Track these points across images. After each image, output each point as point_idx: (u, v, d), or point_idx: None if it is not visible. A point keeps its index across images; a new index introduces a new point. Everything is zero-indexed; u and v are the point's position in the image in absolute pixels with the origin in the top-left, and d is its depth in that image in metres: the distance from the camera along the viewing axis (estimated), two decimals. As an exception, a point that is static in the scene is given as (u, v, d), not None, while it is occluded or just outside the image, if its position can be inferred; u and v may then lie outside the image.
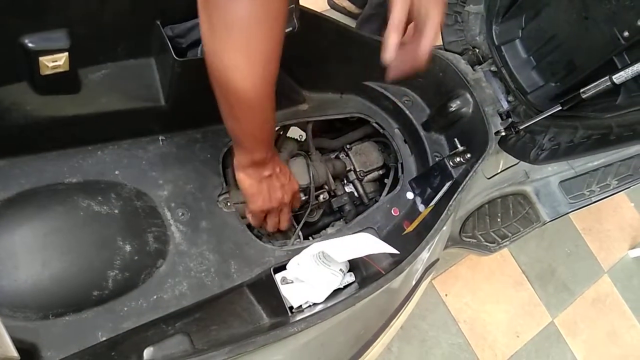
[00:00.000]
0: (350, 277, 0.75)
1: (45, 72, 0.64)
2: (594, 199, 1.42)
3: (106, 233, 0.75)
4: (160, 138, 0.89)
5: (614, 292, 2.00)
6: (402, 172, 1.12)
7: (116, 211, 0.77)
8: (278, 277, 0.70)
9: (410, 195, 1.09)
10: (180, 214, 0.85)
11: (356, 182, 1.14)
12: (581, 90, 0.82)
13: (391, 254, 0.77)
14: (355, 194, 1.15)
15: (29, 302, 0.67)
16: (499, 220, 1.46)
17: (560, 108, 0.87)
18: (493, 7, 0.94)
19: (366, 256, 0.74)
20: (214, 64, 0.61)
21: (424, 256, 0.83)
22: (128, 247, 0.76)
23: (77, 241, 0.72)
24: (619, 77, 0.77)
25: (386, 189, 1.14)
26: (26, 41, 0.61)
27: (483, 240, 1.40)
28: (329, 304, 0.66)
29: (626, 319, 1.97)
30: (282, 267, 0.70)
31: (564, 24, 0.89)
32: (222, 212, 0.89)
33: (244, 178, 0.79)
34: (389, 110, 1.13)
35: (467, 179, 0.91)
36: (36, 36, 0.61)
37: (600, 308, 1.94)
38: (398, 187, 1.10)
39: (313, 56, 0.98)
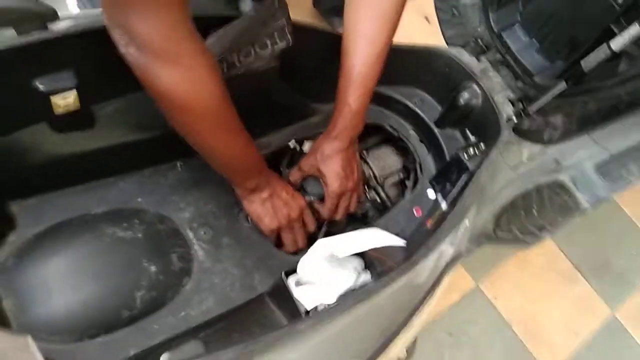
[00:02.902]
0: (367, 276, 0.76)
1: (58, 111, 0.70)
2: (633, 180, 1.36)
3: (131, 256, 0.79)
4: (178, 164, 0.93)
5: (677, 276, 1.88)
6: (422, 172, 1.12)
7: (140, 235, 0.82)
8: (292, 280, 0.71)
9: (431, 193, 1.09)
10: (202, 232, 0.88)
11: (377, 187, 1.15)
12: (581, 62, 0.81)
13: (404, 248, 0.77)
14: (378, 199, 1.15)
15: (64, 326, 0.72)
16: (534, 212, 1.42)
17: (565, 85, 0.85)
18: (487, -5, 0.95)
19: (380, 252, 0.75)
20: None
21: (442, 248, 0.82)
22: (153, 268, 0.80)
23: (104, 266, 0.77)
24: (617, 43, 0.75)
25: (408, 190, 1.14)
26: (37, 83, 0.67)
27: (520, 233, 1.36)
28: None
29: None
30: (295, 270, 0.72)
31: (558, 0, 0.88)
32: (243, 226, 0.92)
33: (247, 204, 0.84)
34: (401, 112, 1.14)
35: (480, 167, 0.90)
36: (45, 78, 0.67)
37: (666, 295, 1.83)
38: (419, 187, 1.09)
39: (316, 68, 1.01)
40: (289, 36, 0.84)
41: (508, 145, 1.15)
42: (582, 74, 0.82)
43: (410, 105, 1.11)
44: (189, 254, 0.85)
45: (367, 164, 1.15)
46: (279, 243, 0.92)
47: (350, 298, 0.64)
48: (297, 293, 0.70)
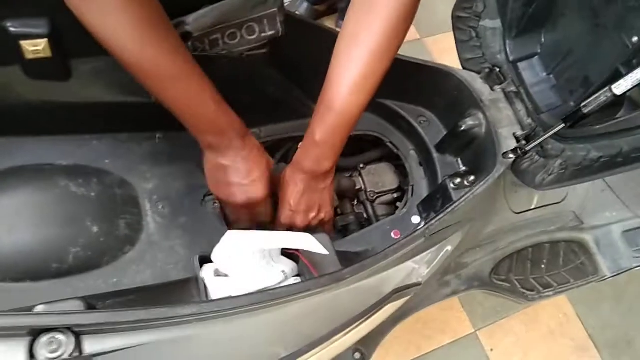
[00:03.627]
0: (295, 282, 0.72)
1: (28, 56, 0.72)
2: (662, 254, 1.22)
3: (75, 212, 0.79)
4: (157, 135, 0.93)
5: None
6: (412, 195, 1.05)
7: (92, 194, 0.82)
8: (209, 268, 0.69)
9: (416, 219, 1.02)
10: (160, 206, 0.88)
11: (366, 202, 1.10)
12: (582, 104, 0.72)
13: (343, 264, 0.72)
14: (364, 215, 1.10)
15: (-11, 264, 0.73)
16: (543, 267, 1.31)
17: (563, 125, 0.77)
18: (504, 19, 0.88)
19: (312, 262, 0.70)
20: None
21: (389, 273, 0.77)
22: (95, 229, 0.80)
23: (45, 215, 0.78)
24: (619, 87, 0.67)
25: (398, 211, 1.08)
26: (8, 25, 0.68)
27: (519, 286, 1.26)
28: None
29: None
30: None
31: (578, 35, 0.80)
32: (205, 211, 0.90)
33: (204, 155, 0.79)
34: (405, 130, 1.09)
35: (461, 200, 0.84)
36: (17, 21, 0.69)
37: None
38: (404, 210, 1.03)
39: (319, 69, 0.98)
40: (279, 26, 0.82)
41: (514, 187, 1.06)
42: (582, 117, 0.74)
43: (415, 124, 1.06)
44: (139, 223, 0.85)
45: (361, 177, 1.11)
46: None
47: (251, 297, 0.61)
48: (211, 283, 0.67)
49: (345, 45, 0.74)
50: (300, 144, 0.82)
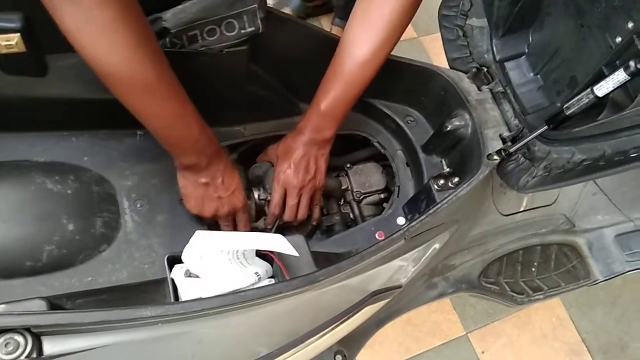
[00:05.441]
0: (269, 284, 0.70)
1: (1, 51, 0.71)
2: (657, 259, 1.20)
3: (51, 209, 0.78)
4: (138, 132, 0.92)
5: None
6: (398, 196, 1.04)
7: (69, 191, 0.81)
8: (181, 269, 0.67)
9: (401, 220, 1.01)
10: (139, 205, 0.86)
11: (352, 203, 1.09)
12: (565, 106, 0.71)
13: (325, 265, 0.70)
14: (350, 215, 1.09)
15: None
16: (533, 270, 1.30)
17: (546, 127, 0.75)
18: (491, 18, 0.86)
19: (284, 263, 0.69)
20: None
21: (369, 274, 0.75)
22: (71, 227, 0.79)
23: (19, 212, 0.77)
24: (600, 88, 0.65)
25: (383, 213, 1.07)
26: (-21, 18, 0.67)
27: (508, 289, 1.25)
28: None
29: None
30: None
31: (564, 34, 0.78)
32: (184, 211, 0.89)
33: (180, 177, 0.81)
34: (392, 130, 1.07)
35: (443, 202, 0.82)
36: (-11, 16, 0.68)
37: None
38: (390, 211, 1.02)
39: (305, 66, 0.96)
40: (259, 22, 0.80)
41: (502, 188, 1.05)
42: (565, 118, 0.72)
43: (402, 124, 1.04)
44: (116, 221, 0.83)
45: (348, 177, 1.09)
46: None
47: (219, 299, 0.59)
48: (181, 284, 0.66)
49: (358, 21, 0.80)
50: (304, 113, 0.89)
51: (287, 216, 0.91)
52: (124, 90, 0.66)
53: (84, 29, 0.57)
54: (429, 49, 1.98)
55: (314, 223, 1.02)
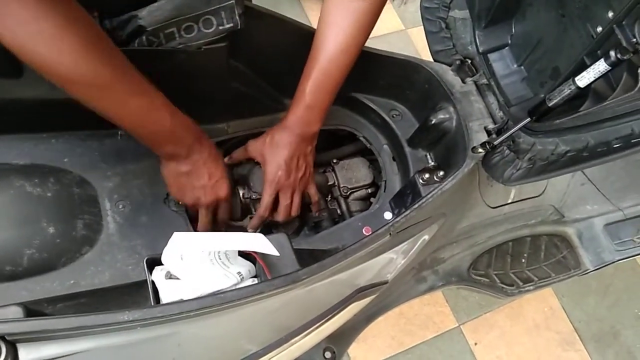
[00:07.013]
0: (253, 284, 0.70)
1: (-26, 52, 0.69)
2: (644, 247, 1.21)
3: (30, 213, 0.77)
4: (119, 132, 0.91)
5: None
6: (384, 191, 1.03)
7: (49, 194, 0.80)
8: (162, 271, 0.66)
9: (388, 215, 1.00)
10: (121, 206, 0.85)
11: (340, 198, 1.08)
12: (547, 97, 0.70)
13: (311, 262, 0.70)
14: (338, 211, 1.08)
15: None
16: (523, 261, 1.29)
17: (529, 119, 0.75)
18: (473, 10, 0.85)
19: (266, 262, 0.68)
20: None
21: (354, 270, 0.75)
22: (52, 230, 0.77)
23: (-3, 216, 0.76)
24: (582, 79, 0.64)
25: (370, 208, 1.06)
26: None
27: (498, 281, 1.25)
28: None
29: None
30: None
31: (546, 25, 0.78)
32: (168, 210, 0.88)
33: (163, 167, 0.80)
34: (377, 124, 1.06)
35: (428, 197, 0.81)
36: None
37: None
38: (377, 206, 1.01)
39: (287, 62, 0.95)
40: (237, 18, 0.79)
41: (489, 181, 1.04)
42: (547, 110, 0.71)
43: (387, 118, 1.03)
44: (98, 223, 0.82)
45: (334, 172, 1.08)
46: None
47: (199, 301, 0.59)
48: (162, 286, 0.65)
49: (334, 8, 0.79)
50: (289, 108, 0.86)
51: (281, 216, 0.90)
52: (83, 93, 0.64)
53: (29, 42, 0.56)
54: (417, 41, 1.96)
55: (316, 213, 1.01)
